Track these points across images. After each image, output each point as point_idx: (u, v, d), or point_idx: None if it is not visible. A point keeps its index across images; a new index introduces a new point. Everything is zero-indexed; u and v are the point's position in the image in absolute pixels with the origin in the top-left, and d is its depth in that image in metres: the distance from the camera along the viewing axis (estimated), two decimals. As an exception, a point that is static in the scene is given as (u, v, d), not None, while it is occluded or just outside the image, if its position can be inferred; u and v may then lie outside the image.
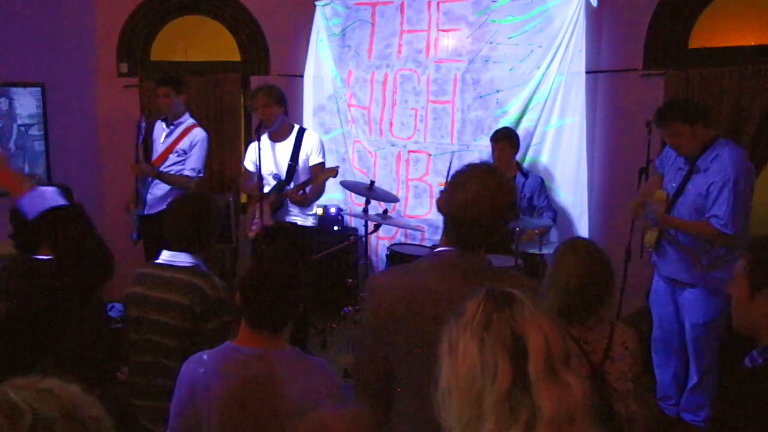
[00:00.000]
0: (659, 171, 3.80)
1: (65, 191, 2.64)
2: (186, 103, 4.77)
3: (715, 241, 3.37)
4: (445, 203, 1.93)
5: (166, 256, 2.56)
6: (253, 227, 4.40)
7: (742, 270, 1.74)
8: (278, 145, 4.40)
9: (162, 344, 2.42)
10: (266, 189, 4.42)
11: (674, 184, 3.51)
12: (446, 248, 1.93)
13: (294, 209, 4.44)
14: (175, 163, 4.63)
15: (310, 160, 4.43)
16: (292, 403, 1.90)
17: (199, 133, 4.66)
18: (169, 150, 4.63)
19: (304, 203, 4.39)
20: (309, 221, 4.51)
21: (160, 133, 4.73)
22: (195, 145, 4.61)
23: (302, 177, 4.41)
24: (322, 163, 4.48)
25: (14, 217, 2.54)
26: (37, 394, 1.01)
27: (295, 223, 4.44)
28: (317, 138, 4.52)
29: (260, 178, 4.22)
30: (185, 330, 2.39)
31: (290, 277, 2.00)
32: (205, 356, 2.01)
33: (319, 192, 4.43)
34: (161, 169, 4.60)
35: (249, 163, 4.57)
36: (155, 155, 4.69)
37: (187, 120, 4.71)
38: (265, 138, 4.41)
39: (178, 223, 2.53)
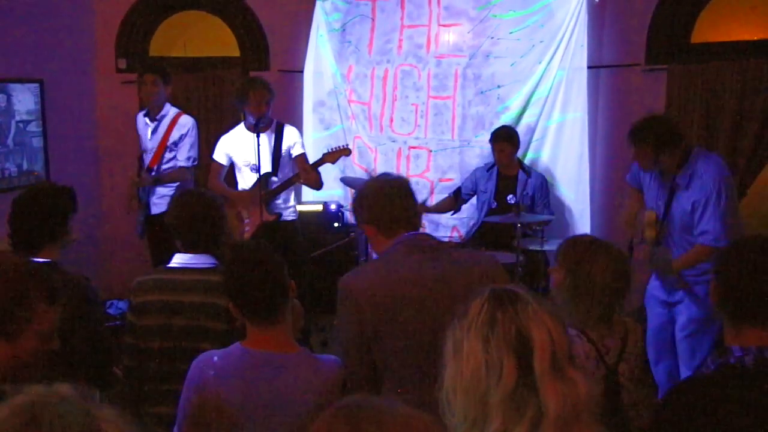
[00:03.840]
0: (631, 184, 3.74)
1: (69, 193, 2.61)
2: (171, 97, 4.63)
3: (711, 258, 3.31)
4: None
5: (183, 260, 2.46)
6: (247, 228, 4.35)
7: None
8: (261, 137, 4.22)
9: (198, 349, 2.23)
10: (246, 184, 4.39)
11: (660, 202, 3.47)
12: (403, 237, 2.09)
13: (279, 203, 4.40)
14: (171, 159, 4.53)
15: (293, 152, 4.41)
16: (304, 407, 1.87)
17: (186, 121, 4.53)
18: (162, 147, 4.48)
19: (318, 184, 4.37)
20: (290, 215, 4.48)
21: (144, 129, 4.59)
22: (185, 135, 4.49)
23: (285, 169, 4.39)
24: (304, 154, 4.48)
25: (14, 216, 2.52)
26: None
27: (281, 215, 4.39)
28: (297, 131, 4.51)
29: (260, 176, 4.20)
30: (222, 331, 2.30)
31: (267, 254, 1.99)
32: (215, 358, 1.97)
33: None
34: (161, 168, 4.50)
35: (222, 156, 4.44)
36: (146, 156, 4.53)
37: (170, 110, 4.55)
38: (244, 129, 4.38)
39: (198, 224, 2.46)
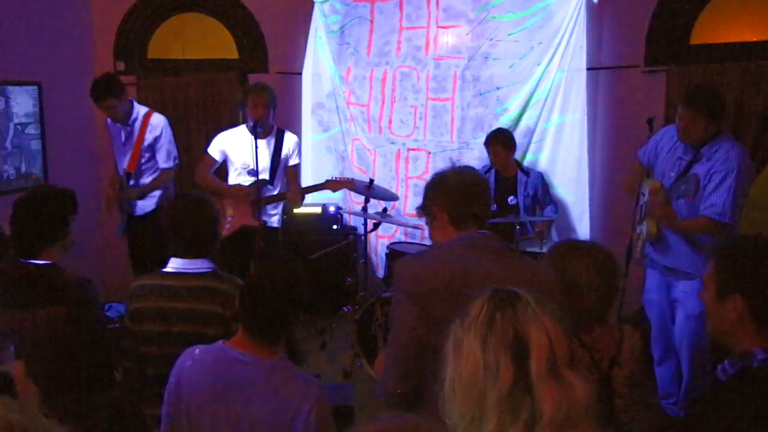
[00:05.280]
0: (640, 160, 3.78)
1: (70, 196, 2.61)
2: (136, 96, 4.60)
3: (711, 232, 3.32)
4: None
5: (178, 264, 2.45)
6: (227, 225, 4.34)
7: (709, 273, 1.68)
8: (260, 142, 4.27)
9: None
10: (238, 181, 4.40)
11: (673, 173, 3.48)
12: (473, 233, 2.04)
13: (268, 210, 4.42)
14: (148, 160, 4.47)
15: (290, 161, 4.45)
16: (267, 414, 1.87)
17: (158, 121, 4.46)
18: (137, 150, 4.41)
19: (299, 204, 4.46)
20: (274, 222, 4.53)
21: (118, 132, 4.51)
22: (159, 136, 4.43)
23: (282, 179, 4.43)
24: (298, 165, 4.54)
25: (15, 219, 2.51)
26: None
27: (266, 222, 4.41)
28: (296, 139, 4.52)
29: (257, 180, 4.22)
30: (218, 336, 2.27)
31: (292, 286, 1.95)
32: (197, 350, 2.00)
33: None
34: (140, 170, 4.46)
35: (217, 152, 4.46)
36: (125, 160, 4.47)
37: (140, 112, 4.47)
38: (245, 130, 4.39)
39: (196, 230, 2.45)
